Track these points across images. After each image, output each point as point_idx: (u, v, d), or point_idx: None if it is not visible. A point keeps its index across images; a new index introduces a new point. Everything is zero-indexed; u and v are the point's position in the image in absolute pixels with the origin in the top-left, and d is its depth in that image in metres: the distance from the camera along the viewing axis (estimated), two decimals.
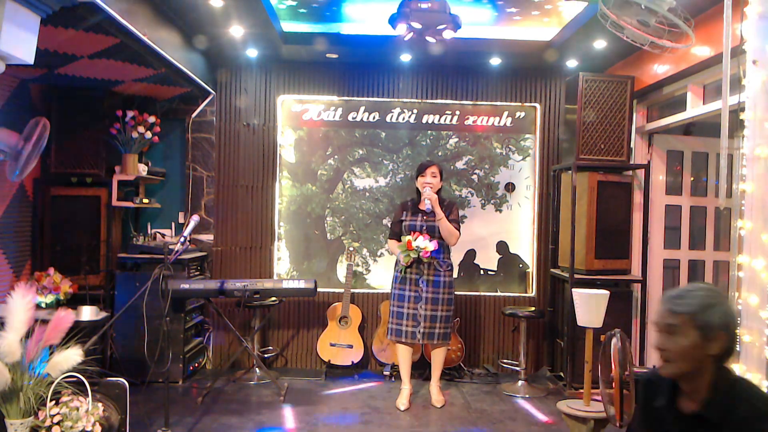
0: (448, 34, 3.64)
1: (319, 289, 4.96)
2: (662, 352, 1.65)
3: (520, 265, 5.74)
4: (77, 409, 2.95)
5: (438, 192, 4.52)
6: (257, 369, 5.09)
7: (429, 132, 5.71)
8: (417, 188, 4.59)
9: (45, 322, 3.13)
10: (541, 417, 4.44)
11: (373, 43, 5.00)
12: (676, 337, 1.62)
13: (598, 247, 4.89)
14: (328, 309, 5.40)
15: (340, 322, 5.29)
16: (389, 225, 5.23)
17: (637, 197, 5.13)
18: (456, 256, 5.65)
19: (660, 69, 4.64)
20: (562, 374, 5.20)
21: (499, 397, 4.88)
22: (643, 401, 1.80)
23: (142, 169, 5.13)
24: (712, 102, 4.28)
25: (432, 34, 3.60)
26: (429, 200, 4.38)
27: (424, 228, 4.45)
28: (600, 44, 4.73)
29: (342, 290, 5.36)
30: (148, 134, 5.06)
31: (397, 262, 4.60)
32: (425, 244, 4.34)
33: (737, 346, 1.65)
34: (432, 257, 4.40)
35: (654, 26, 3.00)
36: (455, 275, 5.61)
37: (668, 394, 1.70)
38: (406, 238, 4.40)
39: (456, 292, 5.23)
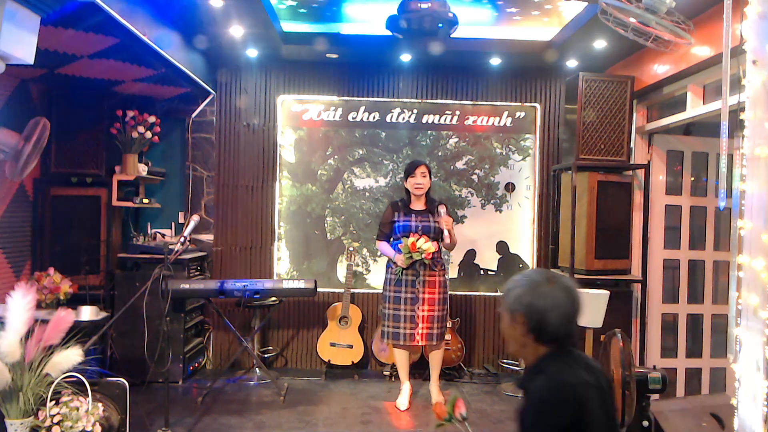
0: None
1: (319, 289, 4.95)
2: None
3: (520, 265, 5.74)
4: (77, 409, 2.95)
5: (428, 191, 4.52)
6: (257, 369, 5.09)
7: (429, 132, 5.71)
8: (407, 189, 4.56)
9: (45, 322, 3.13)
10: None
11: (373, 43, 5.00)
12: (502, 320, 1.76)
13: (598, 247, 4.89)
14: (328, 309, 5.40)
15: (340, 322, 5.29)
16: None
17: (637, 197, 5.13)
18: (456, 256, 5.65)
19: (660, 69, 4.63)
20: None
21: (499, 397, 4.88)
22: None
23: (142, 169, 5.13)
24: (712, 102, 4.27)
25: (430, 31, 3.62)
26: (446, 225, 4.30)
27: (420, 228, 4.43)
28: (600, 44, 4.73)
29: (342, 290, 5.35)
30: (148, 134, 5.07)
31: (389, 264, 4.57)
32: (428, 246, 4.31)
33: (551, 328, 1.64)
34: (434, 261, 4.39)
35: (655, 25, 3.01)
36: (455, 275, 5.64)
37: None
38: (409, 240, 4.33)
39: (456, 292, 5.23)
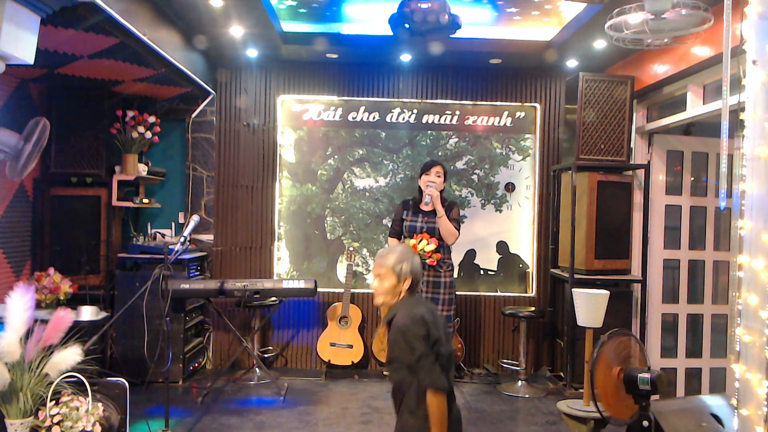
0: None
1: (319, 289, 4.95)
2: (375, 290, 2.45)
3: (520, 265, 5.74)
4: (77, 409, 2.95)
5: (441, 192, 4.48)
6: (257, 369, 5.09)
7: (429, 132, 5.71)
8: (419, 186, 4.54)
9: (45, 322, 3.12)
10: (541, 417, 4.43)
11: (373, 43, 5.00)
12: (384, 280, 2.41)
13: (598, 247, 4.89)
14: (328, 309, 5.40)
15: (340, 322, 5.29)
16: (389, 224, 5.20)
17: (637, 197, 5.13)
18: (456, 256, 5.65)
19: (660, 69, 4.64)
20: (562, 374, 5.20)
21: (499, 397, 4.88)
22: None
23: (142, 169, 5.13)
24: (712, 102, 4.28)
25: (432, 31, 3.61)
26: (430, 195, 4.33)
27: (425, 229, 4.41)
28: (600, 44, 4.73)
29: (342, 290, 5.35)
30: (148, 134, 5.07)
31: None
32: (430, 248, 4.28)
33: (414, 284, 2.43)
34: (439, 263, 4.36)
35: (666, 24, 3.00)
36: (455, 275, 5.63)
37: None
38: (410, 242, 4.33)
39: (456, 292, 5.21)
